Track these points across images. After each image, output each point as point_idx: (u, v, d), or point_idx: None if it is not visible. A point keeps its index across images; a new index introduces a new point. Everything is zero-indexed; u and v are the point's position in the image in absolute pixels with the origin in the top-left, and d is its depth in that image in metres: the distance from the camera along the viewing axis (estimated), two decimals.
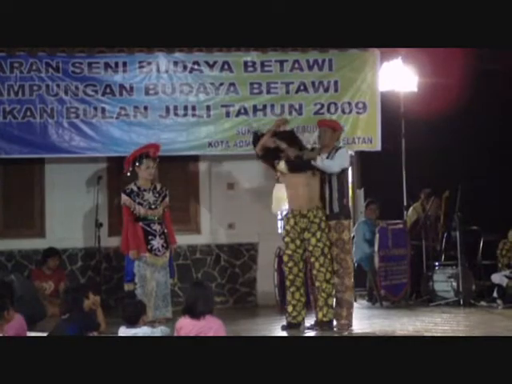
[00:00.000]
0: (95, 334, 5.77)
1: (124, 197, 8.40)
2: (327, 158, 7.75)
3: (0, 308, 4.95)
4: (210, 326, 5.15)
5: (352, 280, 7.80)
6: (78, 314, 5.74)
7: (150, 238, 8.33)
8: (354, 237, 10.49)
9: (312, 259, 7.74)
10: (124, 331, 5.50)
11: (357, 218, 11.22)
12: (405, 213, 10.38)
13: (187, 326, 5.18)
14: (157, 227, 8.39)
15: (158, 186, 8.55)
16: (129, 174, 8.49)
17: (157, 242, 8.35)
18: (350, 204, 11.46)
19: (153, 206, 8.40)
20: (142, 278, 8.27)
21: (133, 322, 5.40)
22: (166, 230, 8.46)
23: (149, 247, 8.31)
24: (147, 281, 8.27)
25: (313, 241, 7.69)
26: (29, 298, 7.79)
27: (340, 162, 7.73)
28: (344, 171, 7.88)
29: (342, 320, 7.72)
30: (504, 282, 9.49)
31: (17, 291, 7.39)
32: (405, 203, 10.35)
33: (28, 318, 6.04)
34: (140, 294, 8.12)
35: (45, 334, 5.55)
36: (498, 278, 9.62)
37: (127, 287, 8.37)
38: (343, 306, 7.74)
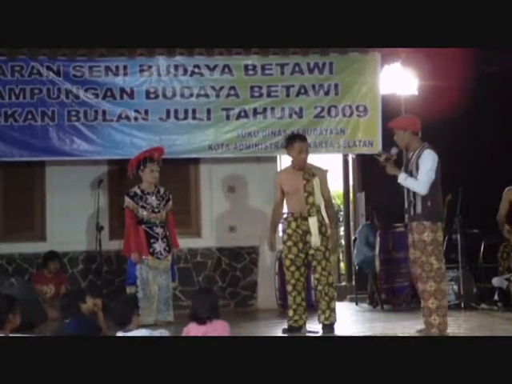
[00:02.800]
0: None
1: (127, 200, 8.42)
2: (410, 161, 7.16)
3: (7, 310, 4.89)
4: (215, 328, 5.18)
5: (439, 285, 7.07)
6: (78, 318, 5.73)
7: (152, 241, 8.35)
8: (355, 239, 10.52)
9: (314, 263, 7.68)
10: (122, 335, 5.47)
11: (357, 222, 11.23)
12: (405, 216, 10.35)
13: (193, 330, 5.22)
14: (159, 230, 8.40)
15: (162, 190, 8.57)
16: (131, 177, 8.52)
17: (159, 246, 8.36)
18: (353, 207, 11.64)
19: (156, 210, 8.42)
20: (144, 281, 8.28)
21: (124, 324, 5.34)
22: (168, 234, 8.47)
23: (151, 250, 8.33)
24: (149, 284, 8.28)
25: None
26: (29, 302, 7.78)
27: (427, 176, 7.00)
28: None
29: (433, 329, 7.06)
30: (505, 285, 9.47)
31: (17, 295, 7.39)
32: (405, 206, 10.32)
33: (28, 322, 6.03)
34: (141, 297, 8.13)
35: None
36: (498, 281, 9.60)
37: (129, 290, 8.40)
38: (430, 314, 7.09)
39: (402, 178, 7.13)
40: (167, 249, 8.41)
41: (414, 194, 7.17)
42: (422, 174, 7.06)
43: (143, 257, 8.29)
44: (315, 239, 7.55)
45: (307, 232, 7.64)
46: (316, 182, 7.62)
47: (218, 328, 5.19)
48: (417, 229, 7.20)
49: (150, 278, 8.30)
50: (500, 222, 9.22)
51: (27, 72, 9.28)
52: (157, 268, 8.33)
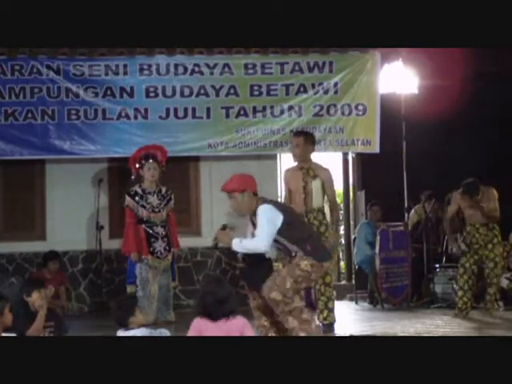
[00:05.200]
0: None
1: (128, 199, 8.42)
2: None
3: None
4: (237, 327, 4.90)
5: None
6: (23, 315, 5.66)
7: (152, 240, 8.34)
8: (355, 238, 10.52)
9: None
10: (122, 334, 5.46)
11: (357, 221, 11.22)
12: (406, 215, 10.38)
13: (211, 330, 4.77)
14: (159, 230, 8.39)
15: (163, 190, 8.55)
16: (133, 177, 8.53)
17: (159, 245, 8.35)
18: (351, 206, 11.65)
19: (156, 210, 8.40)
20: (144, 281, 8.26)
21: (122, 325, 5.31)
22: (168, 233, 8.46)
23: (151, 250, 8.31)
24: (149, 283, 8.27)
25: None
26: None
27: (263, 231, 5.85)
28: (284, 226, 5.91)
29: None
30: (505, 284, 9.47)
31: (18, 294, 7.39)
32: (406, 205, 10.34)
33: (28, 321, 6.03)
34: (141, 297, 8.12)
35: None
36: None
37: (129, 289, 8.39)
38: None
39: (237, 244, 5.92)
40: (167, 248, 8.40)
41: (285, 248, 5.98)
42: (257, 231, 5.91)
43: (143, 256, 8.29)
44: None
45: None
46: (316, 183, 7.63)
47: (238, 327, 4.86)
48: (298, 258, 5.93)
49: (149, 278, 8.28)
50: (445, 225, 8.97)
51: (27, 71, 9.30)
52: (157, 267, 8.32)
